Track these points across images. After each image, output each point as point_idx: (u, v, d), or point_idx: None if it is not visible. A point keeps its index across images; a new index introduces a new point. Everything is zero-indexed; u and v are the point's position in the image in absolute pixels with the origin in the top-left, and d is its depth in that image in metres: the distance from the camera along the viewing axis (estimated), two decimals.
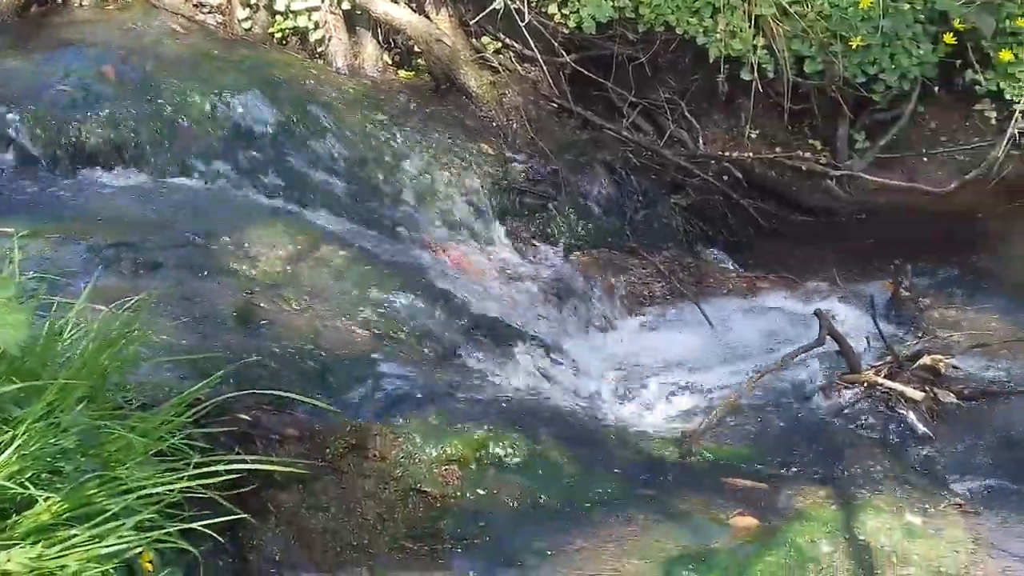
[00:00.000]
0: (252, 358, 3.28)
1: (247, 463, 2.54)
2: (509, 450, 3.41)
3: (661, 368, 4.46)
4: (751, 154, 6.37)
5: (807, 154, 6.40)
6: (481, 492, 3.25)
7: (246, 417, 2.88)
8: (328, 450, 3.08)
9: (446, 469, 3.27)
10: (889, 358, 4.25)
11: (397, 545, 2.98)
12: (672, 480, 3.54)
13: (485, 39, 6.17)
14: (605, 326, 4.79)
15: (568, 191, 5.43)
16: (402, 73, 6.07)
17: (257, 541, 2.76)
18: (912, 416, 4.03)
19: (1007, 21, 6.04)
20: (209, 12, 6.04)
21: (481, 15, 5.96)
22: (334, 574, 2.79)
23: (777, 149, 6.47)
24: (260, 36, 6.02)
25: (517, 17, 5.93)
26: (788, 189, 6.26)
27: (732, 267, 5.39)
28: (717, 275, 5.23)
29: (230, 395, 2.75)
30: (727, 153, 6.35)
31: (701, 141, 6.48)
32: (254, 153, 4.87)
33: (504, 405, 3.72)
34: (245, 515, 2.52)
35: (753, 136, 6.50)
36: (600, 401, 4.15)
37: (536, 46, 6.07)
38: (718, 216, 5.92)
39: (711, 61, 6.15)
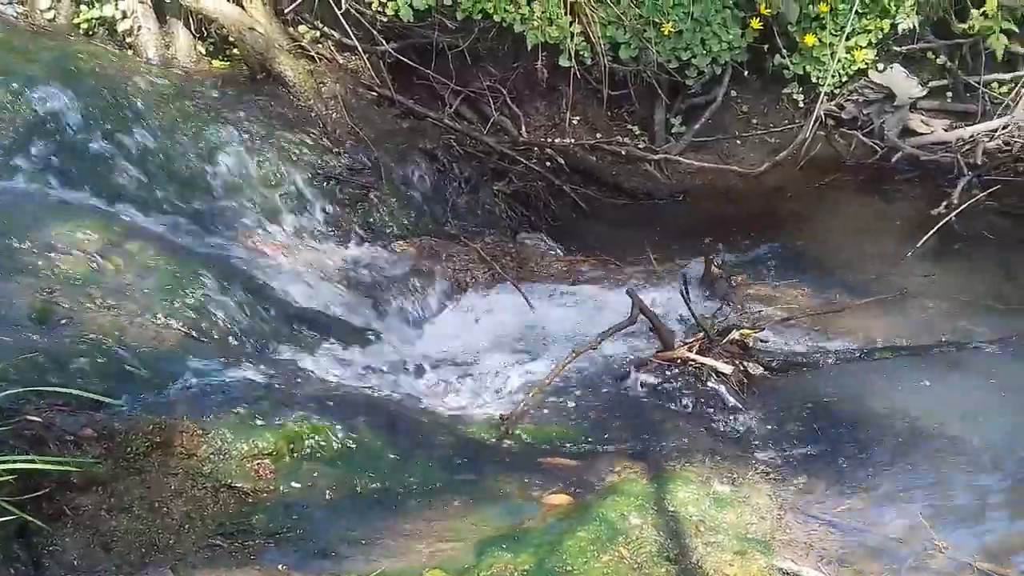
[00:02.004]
0: (47, 358, 3.14)
1: (35, 465, 2.43)
2: (325, 442, 3.37)
3: (482, 353, 4.49)
4: (572, 140, 6.48)
5: (626, 139, 6.55)
6: (295, 485, 3.20)
7: (36, 418, 2.76)
8: (130, 449, 2.98)
9: (258, 463, 3.20)
10: (701, 334, 4.37)
11: (206, 543, 2.90)
12: (490, 463, 3.56)
13: (302, 28, 6.08)
14: (427, 313, 4.79)
15: (390, 180, 5.41)
16: (216, 63, 5.93)
17: (53, 547, 2.65)
18: (723, 389, 4.17)
19: (810, 6, 6.30)
20: (8, 3, 5.77)
21: (296, 3, 5.88)
22: None
23: (597, 135, 6.60)
24: (65, 27, 5.79)
25: (334, 5, 5.87)
26: (608, 173, 6.39)
27: (554, 251, 5.46)
28: (539, 259, 5.29)
29: (12, 393, 2.63)
30: (549, 140, 6.45)
31: (523, 128, 6.56)
32: (56, 148, 4.67)
33: (320, 397, 3.67)
34: (34, 520, 2.41)
35: (574, 122, 6.61)
36: (420, 388, 4.14)
37: (355, 34, 6.03)
38: (541, 201, 6.01)
39: (530, 48, 6.21)
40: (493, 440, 3.76)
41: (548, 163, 6.33)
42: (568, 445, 3.81)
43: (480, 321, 4.77)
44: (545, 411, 4.05)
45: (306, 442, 3.34)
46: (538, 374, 4.21)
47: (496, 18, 6.15)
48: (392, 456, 3.45)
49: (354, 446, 3.42)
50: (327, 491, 3.23)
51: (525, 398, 3.93)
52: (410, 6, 6.00)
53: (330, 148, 5.40)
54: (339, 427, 3.43)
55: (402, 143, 5.71)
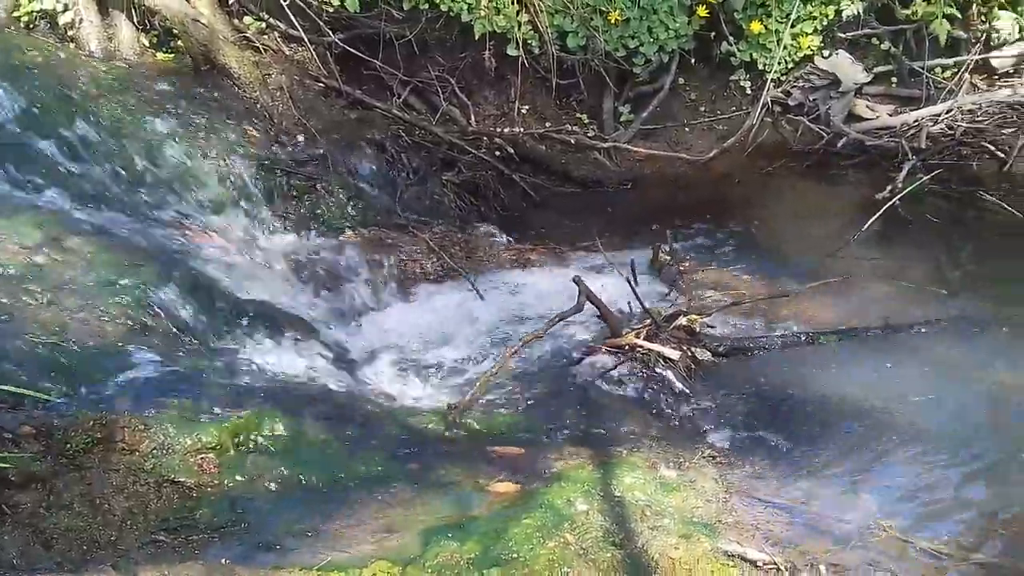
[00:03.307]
0: None
1: None
2: (270, 434, 3.35)
3: (431, 343, 4.48)
4: (522, 129, 6.48)
5: (575, 127, 6.56)
6: (240, 478, 3.18)
7: None
8: (70, 446, 2.95)
9: (202, 457, 3.18)
10: (648, 320, 4.39)
11: (149, 539, 2.87)
12: (437, 453, 3.56)
13: (247, 19, 6.03)
14: (376, 304, 4.77)
15: (337, 171, 5.38)
16: (161, 55, 5.85)
17: None
18: (670, 375, 4.20)
19: None
20: None
21: None
22: (78, 573, 2.67)
23: (547, 123, 6.61)
24: (4, 20, 5.68)
25: None
26: (558, 162, 6.40)
27: (503, 240, 5.46)
28: (488, 248, 5.28)
29: None
30: (498, 129, 6.44)
31: (472, 118, 6.55)
32: None
33: (266, 389, 3.65)
34: None
35: (523, 111, 6.62)
36: (368, 379, 4.13)
37: (301, 25, 5.99)
38: (490, 191, 6.00)
39: (477, 38, 6.20)
40: (441, 429, 3.75)
41: (497, 152, 6.33)
42: (516, 433, 3.81)
43: (428, 311, 4.76)
44: (494, 399, 4.06)
45: (251, 435, 3.32)
46: (486, 363, 4.22)
47: (443, 8, 6.14)
48: (339, 447, 3.43)
49: (300, 438, 3.40)
50: (272, 484, 3.21)
51: (473, 387, 3.93)
52: None
53: (276, 139, 5.36)
54: (285, 419, 3.40)
55: (350, 134, 5.68)
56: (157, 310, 3.91)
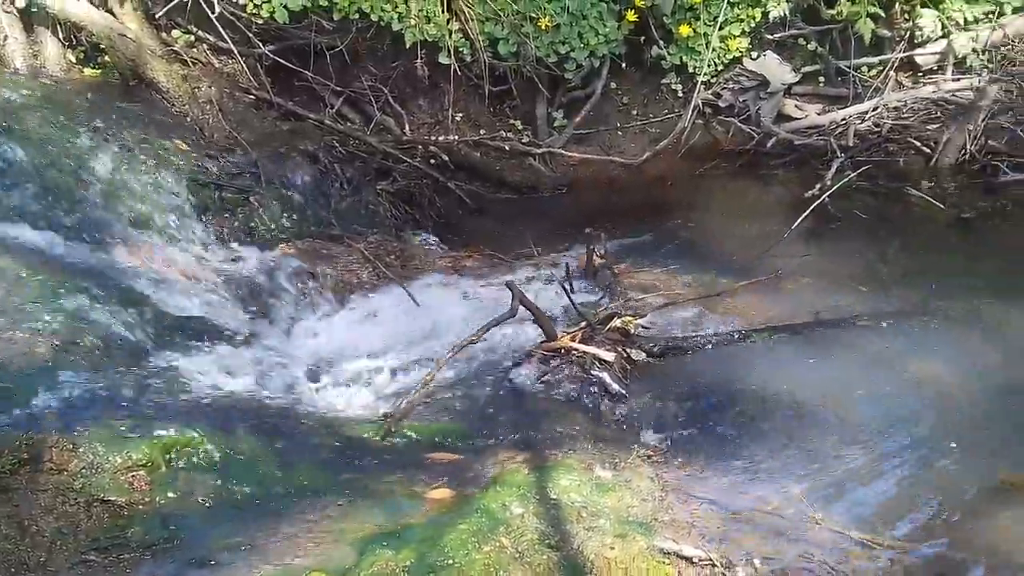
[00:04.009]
0: None
1: None
2: (202, 450, 3.32)
3: (368, 353, 4.47)
4: (456, 137, 6.50)
5: (509, 134, 6.59)
6: (172, 495, 3.16)
7: None
8: None
9: (133, 475, 3.15)
10: (583, 323, 4.42)
11: (79, 559, 2.85)
12: (373, 462, 3.56)
13: (176, 32, 5.99)
14: (311, 315, 4.75)
15: (270, 183, 5.35)
16: (88, 71, 5.80)
17: None
18: (606, 376, 4.23)
19: None
20: None
21: (167, 7, 5.78)
22: None
23: (481, 131, 6.63)
24: None
25: (207, 9, 5.79)
26: (493, 169, 6.43)
27: (439, 248, 5.47)
28: (423, 256, 5.29)
29: None
30: (433, 137, 6.46)
31: (407, 127, 6.56)
32: None
33: (198, 405, 3.63)
34: None
35: (457, 119, 6.64)
36: (304, 392, 4.12)
37: (231, 37, 5.96)
38: (425, 199, 6.01)
39: (409, 47, 6.21)
40: (377, 439, 3.75)
41: (432, 161, 6.34)
42: (453, 440, 3.83)
43: (365, 321, 4.75)
44: (430, 406, 4.06)
45: (183, 451, 3.29)
46: (422, 371, 4.22)
47: (373, 17, 6.14)
48: (273, 460, 3.42)
49: (233, 452, 3.38)
50: (205, 500, 3.20)
51: (408, 395, 3.93)
52: (285, 7, 5.95)
53: (208, 153, 5.33)
54: (217, 434, 3.39)
55: (282, 146, 5.66)
56: (87, 328, 3.87)
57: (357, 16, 6.14)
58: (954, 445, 3.85)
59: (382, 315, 4.79)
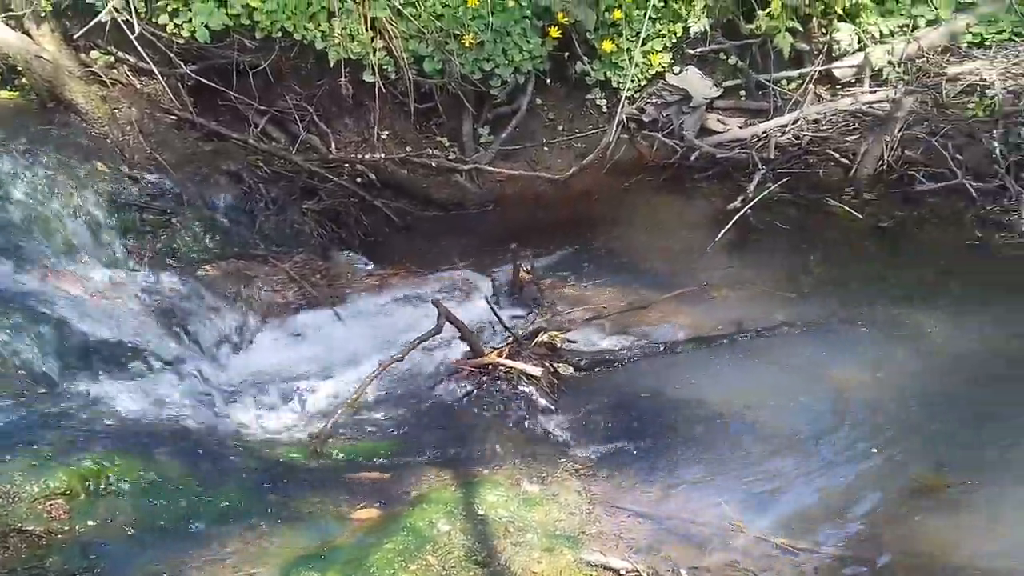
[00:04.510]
0: None
1: None
2: (123, 476, 3.27)
3: (294, 373, 4.44)
4: (383, 155, 6.49)
5: (436, 151, 6.60)
6: (92, 523, 3.10)
7: None
8: None
9: (51, 504, 3.09)
10: (510, 339, 4.43)
11: None
12: (299, 484, 3.53)
13: (95, 53, 5.89)
14: (236, 337, 4.70)
15: (193, 204, 5.30)
16: (4, 93, 5.69)
17: None
18: (533, 391, 4.25)
19: (606, 14, 6.45)
20: None
21: (86, 28, 5.70)
22: None
23: (407, 148, 6.62)
24: None
25: (127, 29, 5.71)
26: (420, 186, 6.43)
27: (365, 266, 5.45)
28: (350, 275, 5.27)
29: None
30: (359, 155, 6.44)
31: (333, 145, 6.53)
32: None
33: (120, 430, 3.57)
34: None
35: (383, 137, 6.62)
36: (228, 414, 4.07)
37: (151, 58, 5.88)
38: (352, 217, 5.99)
39: (333, 65, 6.19)
40: (303, 460, 3.73)
41: (359, 179, 6.32)
42: (380, 458, 3.81)
43: (290, 341, 4.72)
44: (357, 425, 4.05)
45: (103, 478, 3.24)
46: (349, 390, 4.20)
47: (297, 36, 6.11)
48: (196, 484, 3.38)
49: (156, 478, 3.33)
50: (127, 526, 3.14)
51: (334, 415, 3.91)
52: (206, 27, 5.89)
53: (128, 175, 5.25)
54: (139, 460, 3.34)
55: (205, 166, 5.60)
56: (3, 354, 3.80)
57: (280, 35, 6.10)
58: (875, 450, 3.93)
59: (308, 335, 4.76)
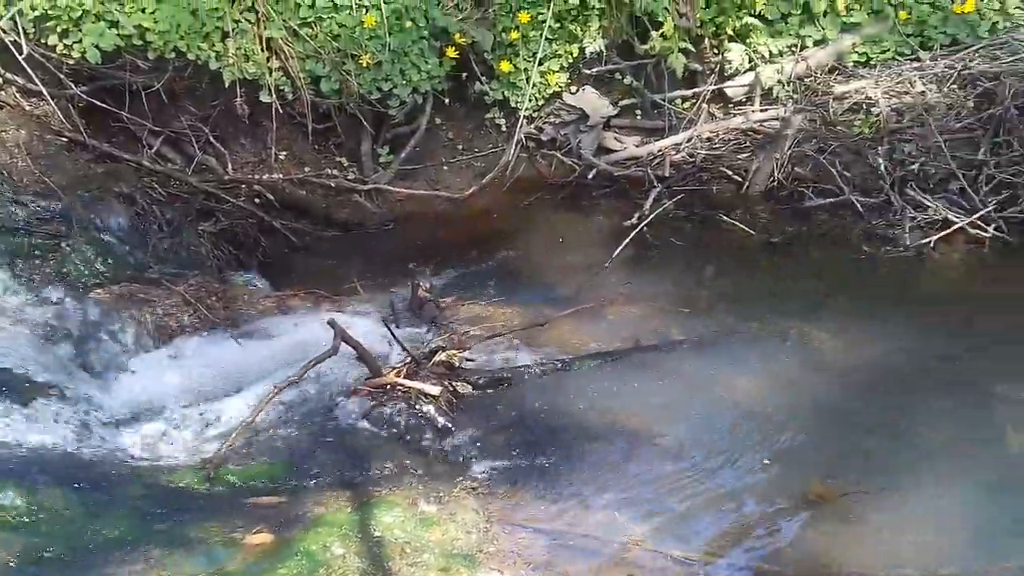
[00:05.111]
0: None
1: None
2: (7, 508, 3.19)
3: (188, 397, 4.37)
4: (281, 175, 6.43)
5: (335, 171, 6.57)
6: None
7: None
8: None
9: None
10: (408, 358, 4.43)
11: None
12: (191, 510, 3.48)
13: None
14: (129, 362, 4.61)
15: (84, 228, 5.18)
16: None
17: None
18: (432, 410, 4.25)
19: (503, 34, 6.50)
20: None
21: None
22: None
23: (306, 168, 6.59)
24: None
25: (14, 50, 5.59)
26: (319, 206, 6.39)
27: (263, 288, 5.39)
28: (247, 297, 5.21)
29: None
30: (256, 176, 6.38)
31: (230, 166, 6.46)
32: None
33: (2, 460, 3.47)
34: None
35: (281, 157, 6.57)
36: (119, 440, 3.99)
37: (40, 79, 5.75)
38: (250, 239, 5.93)
39: (228, 85, 6.13)
40: (197, 486, 3.67)
41: (257, 200, 6.25)
42: (276, 482, 3.78)
43: (186, 365, 4.64)
44: (253, 449, 4.01)
45: None
46: (244, 413, 4.15)
47: (190, 56, 6.03)
48: (84, 514, 3.32)
49: (40, 508, 3.27)
50: (10, 560, 3.06)
51: (229, 439, 3.86)
52: (96, 47, 5.79)
53: (15, 199, 5.12)
54: (21, 490, 3.26)
55: (97, 189, 5.49)
56: None
57: (173, 55, 6.01)
58: (767, 461, 4.02)
59: (204, 358, 4.68)
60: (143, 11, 5.87)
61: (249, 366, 4.64)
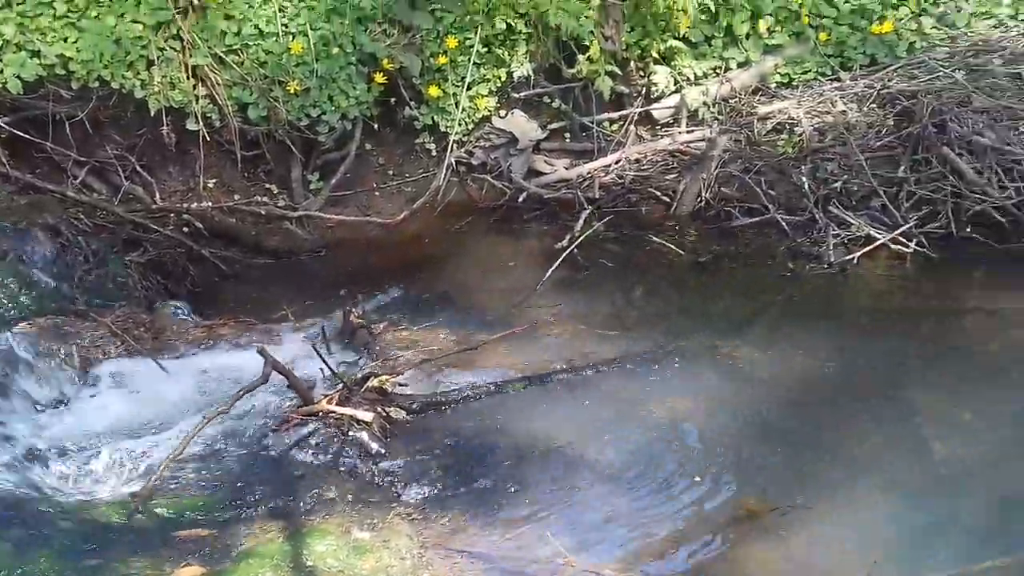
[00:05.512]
0: None
1: None
2: None
3: (115, 431, 4.31)
4: (210, 203, 6.38)
5: (265, 199, 6.53)
6: None
7: None
8: None
9: None
10: (340, 385, 4.41)
11: None
12: (119, 545, 3.44)
13: None
14: (54, 396, 4.53)
15: (6, 260, 5.08)
16: None
17: None
18: (365, 436, 4.24)
19: (431, 59, 6.53)
20: None
21: None
22: None
23: (235, 196, 6.54)
24: None
25: None
26: (249, 234, 6.34)
27: (192, 318, 5.33)
28: (176, 328, 5.14)
29: None
30: (184, 205, 6.32)
31: (157, 195, 6.39)
32: None
33: None
34: None
35: (210, 185, 6.52)
36: (43, 476, 3.92)
37: None
38: (179, 268, 5.86)
39: (154, 114, 6.08)
40: (124, 520, 3.62)
41: (185, 229, 6.18)
42: (206, 514, 3.74)
43: (112, 398, 4.56)
44: (183, 481, 3.97)
45: None
46: (173, 445, 4.10)
47: (115, 85, 5.98)
48: (6, 553, 3.25)
49: None
50: None
51: (157, 472, 3.81)
52: (18, 77, 5.73)
53: None
54: None
55: (19, 220, 5.38)
56: None
57: (97, 84, 5.96)
58: (698, 478, 4.06)
59: (131, 391, 4.62)
60: (65, 40, 5.83)
61: (178, 397, 4.59)
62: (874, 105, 6.48)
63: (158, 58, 6.01)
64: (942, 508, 3.84)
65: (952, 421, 4.29)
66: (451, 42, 6.43)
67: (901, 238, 5.67)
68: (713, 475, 4.09)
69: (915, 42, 6.91)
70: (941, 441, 4.17)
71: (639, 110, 6.87)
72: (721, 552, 3.72)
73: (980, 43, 6.83)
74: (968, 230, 5.69)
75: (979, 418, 4.29)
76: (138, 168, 6.39)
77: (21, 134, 5.97)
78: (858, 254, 5.63)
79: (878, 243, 5.68)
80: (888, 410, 4.40)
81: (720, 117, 6.79)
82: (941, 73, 6.48)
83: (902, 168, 6.00)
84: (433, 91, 6.58)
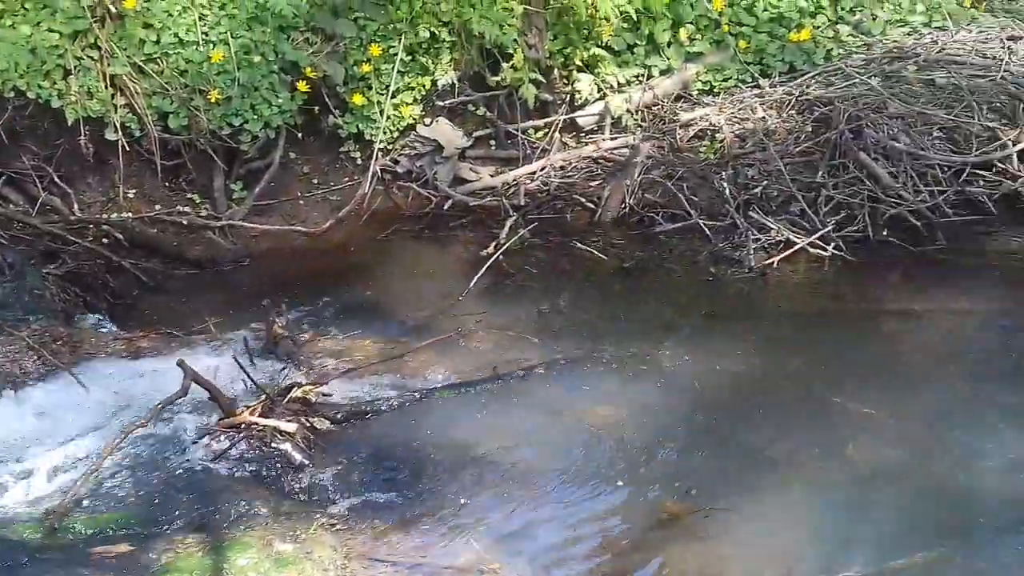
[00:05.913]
0: None
1: None
2: None
3: (31, 447, 4.22)
4: (131, 214, 6.30)
5: (187, 208, 6.45)
6: None
7: None
8: None
9: None
10: (263, 396, 4.38)
11: None
12: (34, 563, 3.38)
13: None
14: None
15: None
16: None
17: None
18: (288, 447, 4.21)
19: (355, 68, 6.51)
20: None
21: None
22: None
23: (156, 206, 6.45)
24: None
25: None
26: (171, 245, 6.25)
27: (111, 330, 5.25)
28: (95, 341, 5.05)
29: None
30: (104, 216, 6.22)
31: (76, 206, 6.29)
32: None
33: None
34: None
35: (130, 196, 6.43)
36: None
37: None
38: (98, 280, 5.75)
39: (71, 124, 5.99)
40: (39, 538, 3.55)
41: (105, 240, 6.07)
42: (124, 529, 3.69)
43: (27, 412, 4.47)
44: (101, 497, 3.91)
45: None
46: (91, 461, 4.03)
47: (30, 95, 5.89)
48: None
49: None
50: None
51: (73, 488, 3.75)
52: None
53: None
54: None
55: None
56: None
57: (12, 94, 5.87)
58: (621, 483, 4.10)
59: (48, 406, 4.52)
60: None
61: (96, 411, 4.51)
62: (793, 112, 6.60)
63: (75, 67, 5.93)
64: (859, 507, 3.91)
65: (868, 422, 4.38)
66: (375, 50, 6.42)
67: (819, 241, 5.79)
68: (636, 479, 4.13)
69: (832, 49, 7.05)
70: (857, 441, 4.26)
71: (564, 117, 6.92)
72: (646, 555, 3.76)
73: (895, 50, 7.00)
74: (884, 233, 5.83)
75: (894, 418, 4.39)
76: (56, 179, 6.28)
77: None
78: (778, 258, 5.73)
79: (797, 247, 5.79)
80: (806, 412, 4.49)
81: (643, 124, 6.87)
82: (857, 80, 6.63)
83: (820, 173, 6.13)
84: (357, 99, 6.56)
